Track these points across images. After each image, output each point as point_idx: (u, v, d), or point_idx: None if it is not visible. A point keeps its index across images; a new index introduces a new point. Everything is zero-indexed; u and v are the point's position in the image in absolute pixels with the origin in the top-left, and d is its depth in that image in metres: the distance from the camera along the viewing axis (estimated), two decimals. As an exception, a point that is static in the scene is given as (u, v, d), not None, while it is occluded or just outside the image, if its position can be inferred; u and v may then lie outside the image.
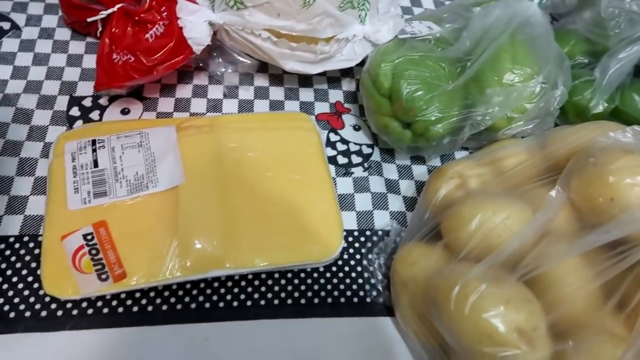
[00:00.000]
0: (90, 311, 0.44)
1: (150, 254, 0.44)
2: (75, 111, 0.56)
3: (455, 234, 0.41)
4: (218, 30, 0.55)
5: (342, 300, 0.48)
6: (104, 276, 0.42)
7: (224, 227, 0.46)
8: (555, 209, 0.41)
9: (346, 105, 0.62)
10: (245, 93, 0.61)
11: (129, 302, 0.45)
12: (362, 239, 0.52)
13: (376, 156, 0.58)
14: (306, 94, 0.62)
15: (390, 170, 0.58)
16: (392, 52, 0.54)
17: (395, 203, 0.55)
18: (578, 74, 0.60)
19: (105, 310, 0.44)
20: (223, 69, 0.60)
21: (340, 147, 0.58)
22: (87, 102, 0.57)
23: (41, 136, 0.53)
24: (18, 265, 0.45)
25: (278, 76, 0.63)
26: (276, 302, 0.47)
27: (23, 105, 0.55)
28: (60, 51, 0.61)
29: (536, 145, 0.49)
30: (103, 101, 0.57)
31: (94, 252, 0.43)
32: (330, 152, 0.57)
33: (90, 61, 0.60)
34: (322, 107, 0.62)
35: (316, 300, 0.47)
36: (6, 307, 0.43)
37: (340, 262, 0.50)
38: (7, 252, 0.46)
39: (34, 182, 0.50)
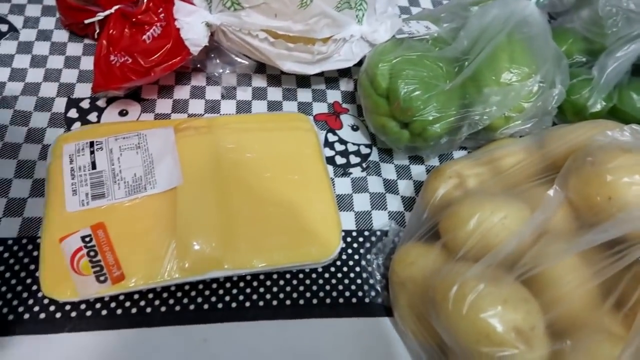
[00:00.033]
0: (88, 313, 0.44)
1: (149, 256, 0.44)
2: (73, 113, 0.56)
3: (454, 233, 0.41)
4: (215, 31, 0.55)
5: (341, 300, 0.48)
6: (102, 278, 0.42)
7: (222, 228, 0.46)
8: (553, 208, 0.41)
9: (344, 106, 0.62)
10: (243, 94, 0.61)
11: (127, 303, 0.45)
12: (361, 239, 0.52)
13: (374, 156, 0.58)
14: (304, 95, 0.62)
15: (389, 170, 0.58)
16: (390, 52, 0.54)
17: (394, 203, 0.55)
18: (576, 73, 0.60)
19: (104, 312, 0.44)
20: (221, 70, 0.60)
21: (339, 147, 0.58)
22: (85, 104, 0.57)
23: (39, 138, 0.53)
24: (16, 267, 0.45)
25: (276, 77, 0.63)
26: (275, 302, 0.47)
27: (21, 107, 0.55)
28: (57, 53, 0.61)
29: (534, 144, 0.49)
30: (101, 103, 0.57)
31: (92, 254, 0.43)
32: (329, 153, 0.57)
33: (88, 63, 0.60)
34: (320, 108, 0.62)
35: (315, 301, 0.47)
36: (5, 310, 0.43)
37: (338, 263, 0.50)
38: (6, 255, 0.46)
39: (32, 185, 0.50)
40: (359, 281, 0.49)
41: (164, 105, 0.58)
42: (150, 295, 0.45)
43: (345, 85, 0.64)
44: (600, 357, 0.33)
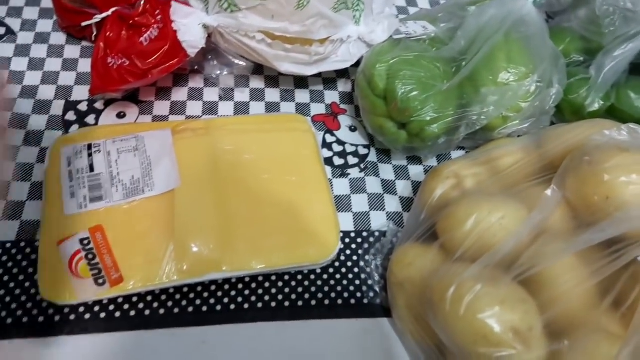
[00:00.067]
0: (87, 316, 0.44)
1: (147, 258, 0.44)
2: (71, 115, 0.56)
3: (451, 234, 0.41)
4: (212, 32, 0.55)
5: (340, 301, 0.48)
6: (100, 281, 0.42)
7: (220, 230, 0.46)
8: (550, 208, 0.41)
9: (342, 106, 0.62)
10: (241, 95, 0.61)
11: (126, 306, 0.45)
12: (359, 240, 0.52)
13: (372, 157, 0.58)
14: (302, 96, 0.62)
15: (387, 171, 0.58)
16: (387, 53, 0.54)
17: (392, 204, 0.55)
18: (573, 72, 0.60)
19: (103, 314, 0.44)
20: (218, 72, 0.60)
21: (337, 148, 0.58)
22: (83, 107, 0.57)
23: (37, 141, 0.53)
24: (15, 270, 0.45)
25: (274, 78, 0.63)
26: (273, 304, 0.47)
27: (19, 110, 0.55)
28: (55, 56, 0.61)
29: (532, 144, 0.49)
30: (99, 105, 0.57)
31: (90, 256, 0.43)
32: (327, 154, 0.57)
33: (85, 65, 0.60)
34: (318, 109, 0.62)
35: (313, 302, 0.47)
36: (3, 313, 0.43)
37: (337, 264, 0.50)
38: (4, 258, 0.46)
39: (30, 187, 0.50)
40: (357, 282, 0.49)
41: (161, 107, 0.58)
42: (149, 298, 0.45)
43: (343, 86, 0.64)
44: (598, 356, 0.33)
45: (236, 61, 0.59)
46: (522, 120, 0.53)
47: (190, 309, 0.46)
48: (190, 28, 0.53)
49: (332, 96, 0.63)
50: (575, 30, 0.64)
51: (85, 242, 0.43)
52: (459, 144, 0.56)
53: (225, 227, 0.46)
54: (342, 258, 0.50)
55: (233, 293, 0.47)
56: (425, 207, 0.46)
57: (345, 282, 0.49)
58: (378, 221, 0.53)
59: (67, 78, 0.59)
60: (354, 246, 0.51)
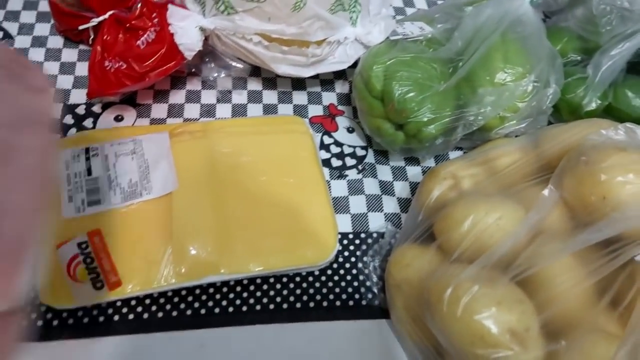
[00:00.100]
0: (85, 320, 0.44)
1: (145, 261, 0.44)
2: (68, 119, 0.56)
3: (448, 235, 0.41)
4: (209, 35, 0.55)
5: (338, 303, 0.48)
6: (99, 284, 0.42)
7: (218, 233, 0.46)
8: (548, 208, 0.41)
9: (340, 108, 0.62)
10: (239, 97, 0.61)
11: (124, 309, 0.45)
12: (357, 241, 0.52)
13: (370, 158, 0.58)
14: (299, 97, 0.62)
15: (385, 172, 0.58)
16: (384, 54, 0.54)
17: (390, 205, 0.55)
18: (571, 72, 0.60)
19: (101, 318, 0.44)
20: (216, 74, 0.60)
21: (334, 149, 0.58)
22: (81, 110, 0.57)
23: (35, 145, 0.53)
24: (13, 275, 0.45)
25: (271, 80, 0.63)
26: (272, 306, 0.47)
27: (16, 114, 0.55)
28: (53, 59, 0.61)
29: (529, 144, 0.49)
30: (96, 108, 0.57)
31: (88, 260, 0.43)
32: (324, 155, 0.57)
33: (83, 69, 0.60)
34: (315, 110, 0.62)
35: (312, 304, 0.47)
36: (2, 317, 0.43)
37: (335, 265, 0.50)
38: (3, 262, 0.46)
39: (28, 192, 0.50)
40: (355, 284, 0.49)
41: (159, 110, 0.58)
42: (147, 301, 0.45)
43: (341, 87, 0.64)
44: (595, 356, 0.33)
45: (233, 63, 0.59)
46: (520, 120, 0.53)
47: (189, 312, 0.46)
48: (187, 31, 0.53)
49: (329, 97, 0.63)
50: (572, 30, 0.64)
51: (83, 245, 0.43)
52: (456, 145, 0.56)
53: (223, 230, 0.46)
54: (340, 260, 0.50)
55: (231, 296, 0.47)
56: (423, 208, 0.46)
57: (343, 284, 0.49)
58: (376, 222, 0.53)
59: (64, 81, 0.59)
60: (352, 248, 0.51)
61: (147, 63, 0.51)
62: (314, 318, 0.47)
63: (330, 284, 0.49)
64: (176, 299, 0.46)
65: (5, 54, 0.27)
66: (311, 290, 0.48)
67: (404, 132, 0.52)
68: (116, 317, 0.44)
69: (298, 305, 0.47)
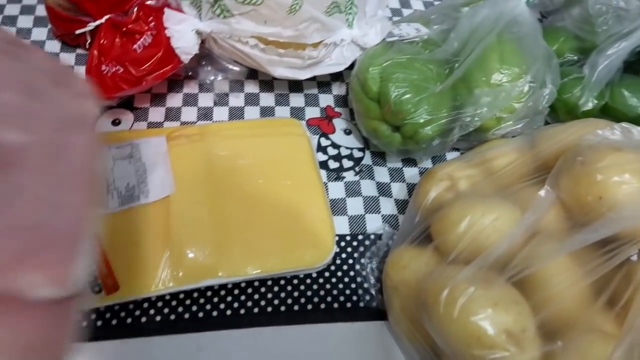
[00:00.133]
0: (83, 324, 0.44)
1: (143, 265, 0.44)
2: (66, 123, 0.56)
3: (445, 236, 0.41)
4: (206, 38, 0.55)
5: (336, 305, 0.48)
6: (96, 289, 0.42)
7: (216, 236, 0.46)
8: (544, 209, 0.41)
9: (337, 110, 0.62)
10: (236, 100, 0.61)
11: (122, 314, 0.45)
12: (355, 243, 0.52)
13: (367, 160, 0.58)
14: (296, 100, 0.62)
15: (382, 174, 0.58)
16: (380, 56, 0.54)
17: (387, 206, 0.55)
18: (567, 72, 0.60)
19: (99, 322, 0.44)
20: (213, 77, 0.60)
21: (332, 151, 0.58)
22: (78, 114, 0.57)
23: (32, 150, 0.53)
24: (11, 279, 0.45)
25: (268, 82, 0.63)
26: (269, 309, 0.47)
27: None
28: (50, 64, 0.61)
29: (526, 144, 0.49)
30: (94, 113, 0.57)
31: (86, 264, 0.43)
32: (322, 157, 0.58)
33: (80, 73, 0.60)
34: (312, 112, 0.62)
35: (310, 307, 0.47)
36: (0, 322, 0.43)
37: (333, 267, 0.50)
38: (1, 267, 0.46)
39: (26, 196, 0.50)
40: (353, 285, 0.49)
41: (156, 114, 0.58)
42: (145, 305, 0.45)
43: (338, 89, 0.64)
44: (592, 356, 0.34)
45: (230, 66, 0.59)
46: (516, 120, 0.53)
47: (187, 315, 0.46)
48: (183, 34, 0.53)
49: (326, 99, 0.63)
50: (568, 30, 0.64)
51: (81, 250, 0.43)
52: (453, 145, 0.56)
53: (220, 233, 0.46)
54: (338, 261, 0.50)
55: (229, 299, 0.47)
56: (420, 210, 0.46)
57: (341, 286, 0.49)
58: (373, 224, 0.53)
59: (62, 86, 0.59)
60: (349, 249, 0.51)
61: (144, 67, 0.52)
62: (312, 320, 0.47)
63: (328, 286, 0.49)
64: (174, 303, 0.46)
65: (50, 63, 0.30)
66: (309, 293, 0.48)
67: (401, 133, 0.52)
68: (114, 321, 0.44)
69: (296, 307, 0.47)
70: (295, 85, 0.63)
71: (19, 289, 0.21)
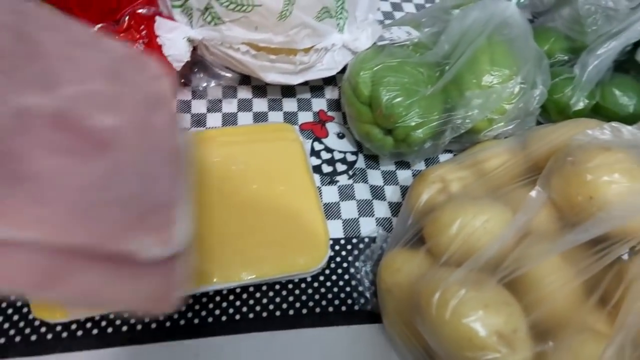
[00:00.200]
0: (79, 333, 0.44)
1: (137, 273, 0.44)
2: (60, 133, 0.56)
3: (437, 239, 0.41)
4: (198, 45, 0.56)
5: (331, 309, 0.48)
6: (91, 297, 0.43)
7: (210, 242, 0.46)
8: (535, 209, 0.41)
9: (329, 114, 0.63)
10: (229, 106, 0.61)
11: (117, 321, 0.45)
12: (349, 246, 0.52)
13: (361, 163, 0.59)
14: (289, 104, 0.63)
15: (375, 177, 0.58)
16: (371, 60, 0.54)
17: (381, 209, 0.55)
18: (558, 72, 0.60)
19: (95, 331, 0.44)
20: (205, 84, 0.60)
21: (325, 155, 0.59)
22: (72, 123, 0.57)
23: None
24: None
25: (261, 87, 0.63)
26: (265, 314, 0.47)
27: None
28: (43, 74, 0.61)
29: (518, 145, 0.50)
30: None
31: (80, 273, 0.43)
32: (315, 161, 0.58)
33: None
34: (305, 117, 0.62)
35: (305, 311, 0.48)
36: (-4, 333, 0.43)
37: (327, 271, 0.50)
38: (-4, 278, 0.46)
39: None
40: (348, 289, 0.49)
41: (150, 121, 0.58)
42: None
43: (330, 93, 0.65)
44: (584, 355, 0.34)
45: (222, 73, 0.59)
46: (507, 122, 0.53)
47: (182, 321, 0.46)
48: (174, 42, 0.53)
49: (319, 104, 0.63)
50: (559, 30, 0.65)
51: (75, 259, 0.44)
52: (446, 147, 0.57)
53: (214, 239, 0.46)
54: (333, 265, 0.51)
55: (224, 304, 0.47)
56: (412, 212, 0.47)
57: (335, 290, 0.49)
58: (367, 227, 0.54)
59: (55, 95, 0.59)
60: (344, 253, 0.52)
61: (135, 75, 0.52)
62: (307, 324, 0.47)
63: (323, 290, 0.49)
64: (169, 310, 0.46)
65: (125, 49, 0.33)
66: (304, 297, 0.48)
67: (393, 136, 0.52)
68: (109, 329, 0.45)
69: (291, 312, 0.47)
70: (288, 90, 0.64)
71: (133, 251, 0.24)
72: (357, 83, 0.53)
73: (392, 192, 0.57)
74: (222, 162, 0.51)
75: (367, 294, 0.49)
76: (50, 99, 0.26)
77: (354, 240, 0.52)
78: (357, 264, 0.51)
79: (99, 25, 0.53)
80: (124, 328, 0.45)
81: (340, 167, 0.58)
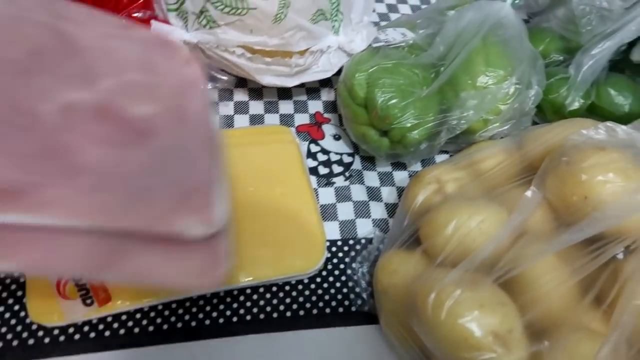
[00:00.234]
0: (77, 336, 0.44)
1: (134, 276, 0.44)
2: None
3: (433, 239, 0.41)
4: (193, 49, 0.56)
5: (328, 310, 0.48)
6: (88, 301, 0.43)
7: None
8: (530, 209, 0.41)
9: (326, 115, 0.63)
10: (225, 109, 0.61)
11: (115, 325, 0.45)
12: (346, 248, 0.52)
13: (357, 164, 0.59)
14: (286, 107, 0.63)
15: (372, 178, 0.58)
16: (366, 62, 0.54)
17: (378, 210, 0.55)
18: (553, 72, 0.60)
19: (92, 334, 0.44)
20: (201, 87, 0.60)
21: (321, 157, 0.59)
22: (68, 127, 0.57)
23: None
24: (4, 294, 0.46)
25: (257, 90, 0.64)
26: (262, 316, 0.47)
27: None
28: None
29: (513, 145, 0.50)
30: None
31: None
32: (312, 163, 0.58)
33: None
34: (302, 119, 0.62)
35: (302, 312, 0.48)
36: (-7, 337, 0.44)
37: (324, 273, 0.50)
38: (-7, 282, 0.46)
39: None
40: (345, 290, 0.49)
41: (146, 125, 0.58)
42: (138, 315, 0.46)
43: (327, 95, 0.65)
44: (579, 355, 0.34)
45: (219, 75, 0.59)
46: (503, 122, 0.54)
47: (179, 324, 0.46)
48: (170, 45, 0.53)
49: (315, 106, 0.64)
50: (554, 30, 0.65)
51: (72, 262, 0.44)
52: (442, 148, 0.57)
53: (211, 242, 0.47)
54: (329, 267, 0.51)
55: (221, 307, 0.47)
56: (408, 213, 0.47)
57: (332, 291, 0.49)
58: (364, 228, 0.54)
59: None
60: (340, 254, 0.52)
61: (131, 79, 0.52)
62: (305, 326, 0.47)
63: (320, 291, 0.49)
64: (167, 312, 0.46)
65: (155, 37, 0.34)
66: (301, 299, 0.48)
67: (389, 138, 0.53)
68: (107, 333, 0.45)
69: (288, 314, 0.47)
70: (284, 93, 0.64)
71: (180, 231, 0.26)
72: (352, 85, 0.53)
73: (388, 193, 0.57)
74: (218, 165, 0.51)
75: (364, 295, 0.49)
76: (90, 93, 0.27)
77: (351, 242, 0.53)
78: (353, 265, 0.51)
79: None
80: (122, 331, 0.45)
81: (337, 168, 0.58)
